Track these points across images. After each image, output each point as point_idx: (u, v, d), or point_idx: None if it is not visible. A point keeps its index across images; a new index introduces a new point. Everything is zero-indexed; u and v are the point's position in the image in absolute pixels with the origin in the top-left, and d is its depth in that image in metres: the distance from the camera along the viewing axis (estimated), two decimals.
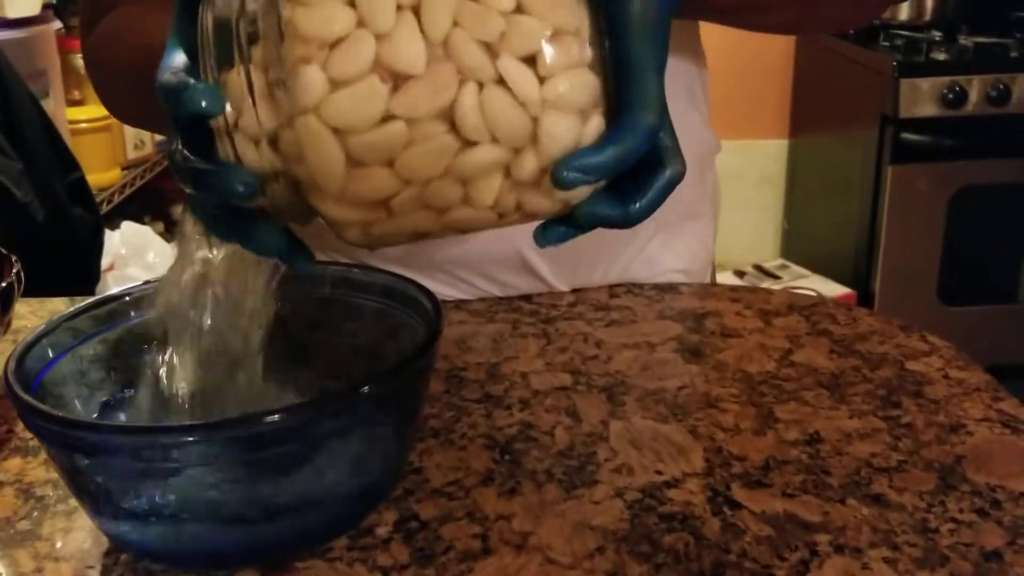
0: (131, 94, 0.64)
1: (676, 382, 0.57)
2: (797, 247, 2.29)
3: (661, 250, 0.72)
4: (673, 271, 0.73)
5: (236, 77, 0.35)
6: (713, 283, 0.76)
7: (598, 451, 0.50)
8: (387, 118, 0.33)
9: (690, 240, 0.75)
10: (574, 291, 0.70)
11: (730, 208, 2.36)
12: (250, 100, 0.35)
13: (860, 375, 0.57)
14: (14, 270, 0.58)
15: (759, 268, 2.16)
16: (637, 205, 0.36)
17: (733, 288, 0.72)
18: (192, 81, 0.35)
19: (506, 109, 0.33)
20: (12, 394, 0.38)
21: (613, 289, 0.71)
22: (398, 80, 0.33)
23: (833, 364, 0.59)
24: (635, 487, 0.47)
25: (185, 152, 0.36)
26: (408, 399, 0.43)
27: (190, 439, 0.36)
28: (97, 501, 0.40)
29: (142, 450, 0.36)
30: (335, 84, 0.33)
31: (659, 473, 0.48)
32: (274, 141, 0.35)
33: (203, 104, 0.34)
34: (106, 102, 0.67)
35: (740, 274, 2.13)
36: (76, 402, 0.45)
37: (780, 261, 2.22)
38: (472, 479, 0.48)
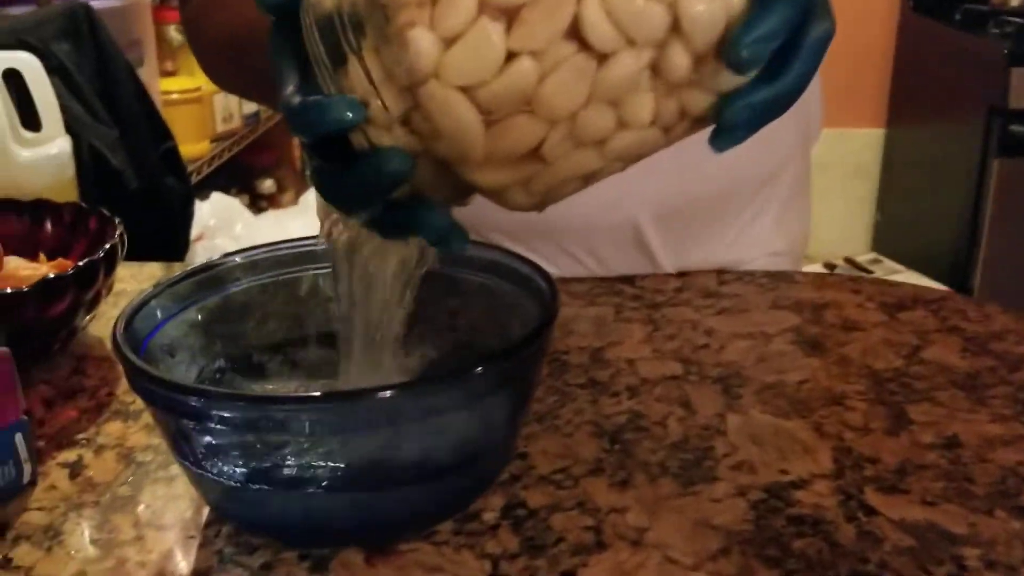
0: (229, 63, 0.63)
1: (796, 376, 0.54)
2: (890, 241, 2.20)
3: (769, 227, 0.69)
4: (777, 254, 0.70)
5: (353, 71, 0.33)
6: (830, 271, 0.71)
7: (715, 445, 0.47)
8: (510, 58, 0.30)
9: (793, 219, 0.72)
10: (680, 275, 0.67)
11: (820, 199, 2.28)
12: (372, 89, 0.33)
13: (997, 376, 0.53)
14: (117, 232, 0.57)
15: (850, 262, 2.09)
16: (792, 73, 0.32)
17: (853, 278, 0.67)
18: (324, 98, 0.33)
19: (635, 4, 0.30)
20: (121, 356, 0.37)
21: (721, 275, 0.68)
22: (509, 13, 0.30)
23: (967, 364, 0.54)
24: (758, 486, 0.44)
25: (327, 166, 0.35)
26: (523, 381, 0.41)
27: (302, 410, 0.35)
28: (201, 469, 0.39)
29: (254, 419, 0.34)
30: (447, 41, 0.30)
31: (784, 472, 0.45)
32: (407, 123, 0.33)
33: (347, 115, 0.33)
34: (205, 69, 0.67)
35: (830, 267, 2.06)
36: (182, 367, 0.44)
37: (872, 255, 2.14)
38: (580, 468, 0.45)
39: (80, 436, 0.49)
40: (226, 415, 0.34)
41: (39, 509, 0.43)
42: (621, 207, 0.61)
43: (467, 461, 0.40)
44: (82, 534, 0.41)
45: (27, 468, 0.43)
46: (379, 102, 0.33)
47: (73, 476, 0.45)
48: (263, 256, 0.49)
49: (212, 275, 0.47)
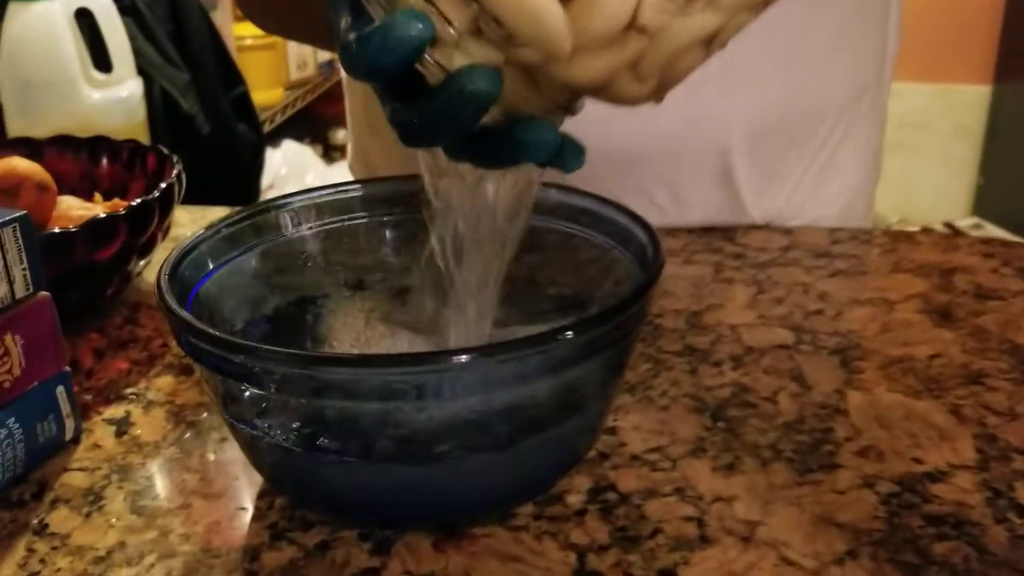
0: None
1: (926, 349, 0.47)
2: (993, 205, 2.07)
3: (851, 161, 0.63)
4: (855, 185, 0.64)
5: None
6: (955, 232, 0.64)
7: (836, 427, 0.41)
8: None
9: (867, 149, 0.65)
10: (786, 232, 0.60)
11: (918, 159, 2.16)
12: (429, 5, 0.28)
13: None
14: (175, 171, 0.53)
15: (949, 226, 1.96)
16: None
17: (984, 241, 0.60)
18: (382, 22, 0.28)
19: None
20: (164, 306, 0.32)
21: (834, 233, 0.61)
22: None
23: None
24: (888, 477, 0.38)
25: (405, 106, 0.31)
26: (619, 348, 0.35)
27: (365, 373, 0.30)
28: (251, 434, 0.34)
29: (311, 382, 0.30)
30: None
31: (918, 462, 0.39)
32: (477, 35, 0.28)
33: (413, 30, 0.28)
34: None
35: (927, 232, 1.94)
36: (235, 319, 0.39)
37: (973, 220, 2.01)
38: (679, 448, 0.40)
39: (129, 391, 0.45)
40: (281, 376, 0.30)
41: (81, 470, 0.39)
42: (710, 123, 0.54)
43: (553, 434, 0.35)
44: (124, 500, 0.37)
45: (69, 424, 0.40)
46: (441, 19, 0.28)
47: (119, 434, 0.41)
48: (328, 198, 0.44)
49: (269, 219, 0.43)
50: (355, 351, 0.42)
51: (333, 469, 0.34)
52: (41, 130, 0.89)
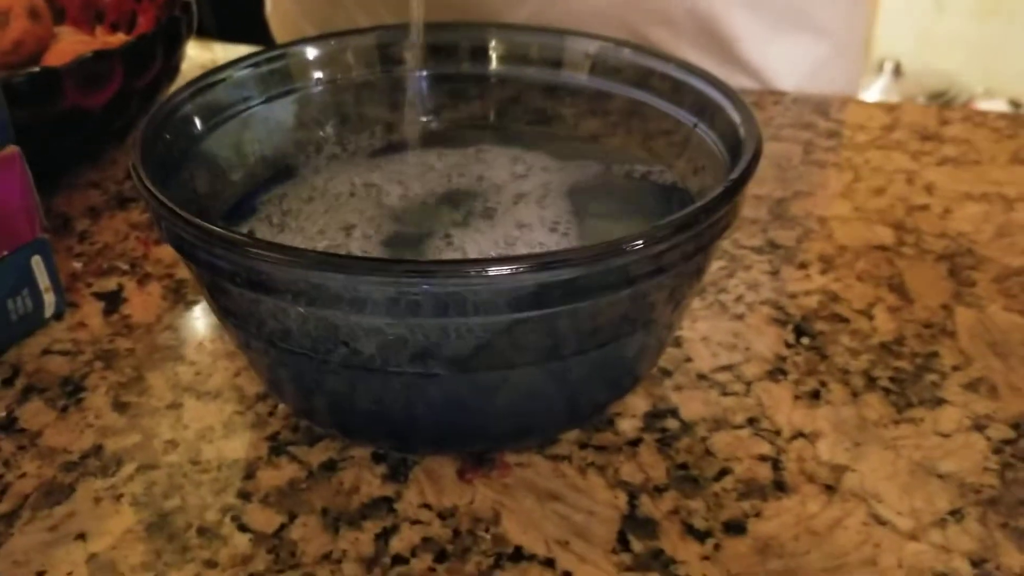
0: None
1: None
2: None
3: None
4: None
5: None
6: (1016, 110, 0.55)
7: (941, 352, 0.34)
8: None
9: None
10: (888, 109, 0.52)
11: (1002, 18, 1.97)
12: None
13: None
14: (184, 1, 0.45)
15: None
16: None
17: None
18: None
19: None
20: (138, 179, 0.26)
21: (944, 112, 0.52)
22: None
23: None
24: (1003, 419, 0.31)
25: None
26: (698, 251, 0.28)
27: (381, 277, 0.23)
28: (247, 333, 0.28)
29: (320, 289, 0.24)
30: None
31: None
32: None
33: None
34: None
35: (1016, 105, 1.80)
36: (228, 193, 0.33)
37: None
38: (754, 367, 0.34)
39: (124, 259, 0.39)
40: (283, 281, 0.24)
41: (61, 353, 0.34)
42: None
43: (611, 349, 0.29)
44: (106, 393, 0.32)
45: (49, 298, 0.35)
46: None
47: (108, 312, 0.36)
48: (352, 43, 0.37)
49: (284, 64, 0.36)
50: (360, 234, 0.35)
51: (341, 377, 0.28)
52: None
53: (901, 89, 1.89)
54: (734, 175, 0.27)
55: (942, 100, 1.84)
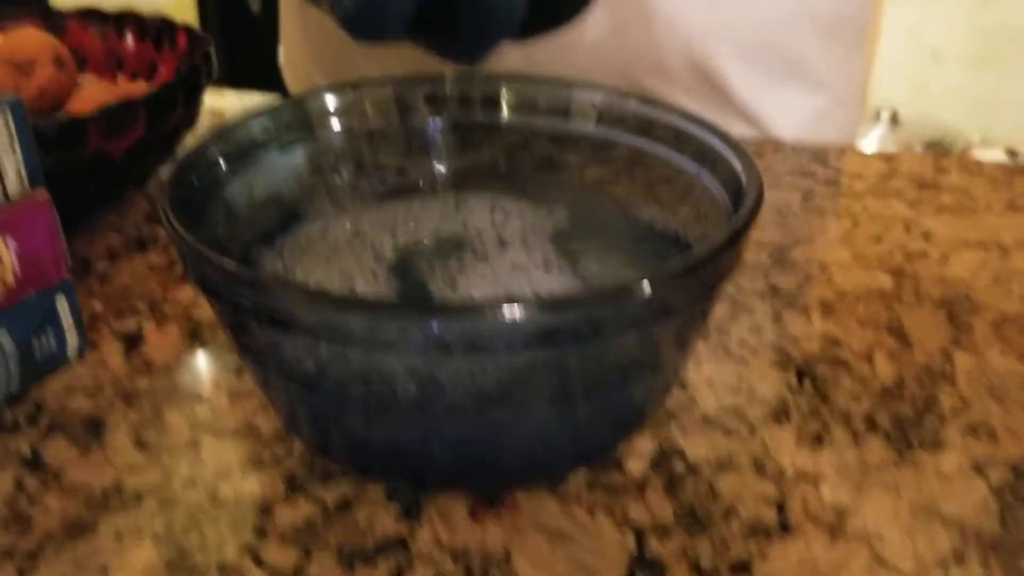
0: None
1: None
2: None
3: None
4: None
5: None
6: (1012, 159, 0.56)
7: (941, 396, 0.35)
8: None
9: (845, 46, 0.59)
10: (886, 159, 0.53)
11: (999, 67, 2.01)
12: None
13: None
14: (204, 51, 0.47)
15: None
16: None
17: None
18: None
19: None
20: (168, 223, 0.27)
21: (940, 161, 0.53)
22: None
23: None
24: (1003, 460, 0.32)
25: None
26: (704, 295, 0.29)
27: (409, 323, 0.24)
28: (267, 370, 0.29)
29: (337, 329, 0.25)
30: None
31: None
32: None
33: None
34: None
35: (1012, 154, 1.82)
36: (250, 231, 0.34)
37: None
38: (758, 409, 0.34)
39: (143, 301, 0.40)
40: (306, 320, 0.25)
41: (83, 392, 0.35)
42: (674, 28, 0.51)
43: (619, 391, 0.30)
44: (127, 432, 0.33)
45: (72, 338, 0.36)
46: None
47: (128, 351, 0.37)
48: (368, 93, 0.38)
49: (303, 112, 0.37)
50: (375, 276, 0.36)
51: (358, 414, 0.29)
52: None
53: (898, 138, 1.92)
54: (739, 219, 0.28)
55: (939, 149, 1.86)
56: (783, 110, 0.56)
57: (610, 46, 0.53)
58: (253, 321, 0.26)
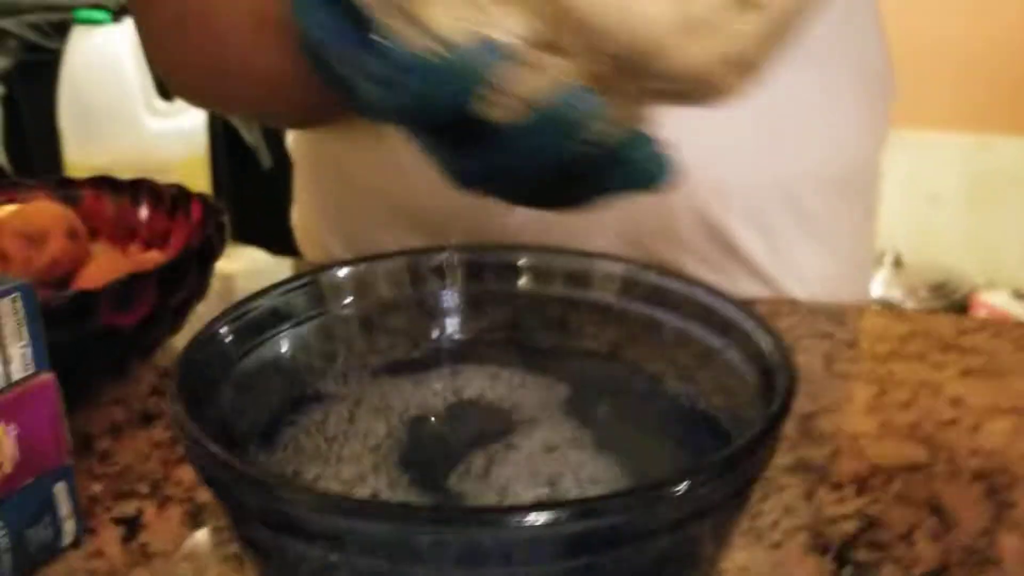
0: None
1: None
2: None
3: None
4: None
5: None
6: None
7: None
8: None
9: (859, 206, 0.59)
10: (906, 319, 0.53)
11: (1004, 215, 2.04)
12: (483, 17, 0.23)
13: None
14: (216, 221, 0.47)
15: None
16: None
17: None
18: (428, 45, 0.23)
19: None
20: (177, 419, 0.26)
21: (960, 322, 0.53)
22: None
23: None
24: None
25: (474, 149, 0.25)
26: (744, 488, 0.28)
27: (439, 534, 0.23)
28: (271, 569, 0.28)
29: (354, 531, 0.23)
30: None
31: None
32: (549, 45, 0.23)
33: (486, 57, 0.22)
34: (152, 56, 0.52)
35: (1020, 297, 1.82)
36: (258, 410, 0.33)
37: None
38: None
39: (144, 482, 0.39)
40: (318, 527, 0.23)
41: None
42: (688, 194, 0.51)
43: None
44: None
45: (68, 526, 0.34)
46: (499, 26, 0.23)
47: (127, 539, 0.35)
48: (382, 267, 0.38)
49: (317, 289, 0.36)
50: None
51: None
52: (100, 159, 0.85)
53: (902, 281, 1.93)
54: (774, 408, 0.27)
55: (943, 292, 1.87)
56: (797, 272, 0.56)
57: (617, 205, 0.53)
58: (259, 523, 0.25)
